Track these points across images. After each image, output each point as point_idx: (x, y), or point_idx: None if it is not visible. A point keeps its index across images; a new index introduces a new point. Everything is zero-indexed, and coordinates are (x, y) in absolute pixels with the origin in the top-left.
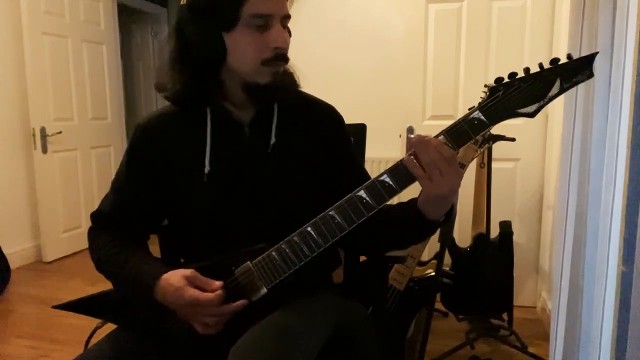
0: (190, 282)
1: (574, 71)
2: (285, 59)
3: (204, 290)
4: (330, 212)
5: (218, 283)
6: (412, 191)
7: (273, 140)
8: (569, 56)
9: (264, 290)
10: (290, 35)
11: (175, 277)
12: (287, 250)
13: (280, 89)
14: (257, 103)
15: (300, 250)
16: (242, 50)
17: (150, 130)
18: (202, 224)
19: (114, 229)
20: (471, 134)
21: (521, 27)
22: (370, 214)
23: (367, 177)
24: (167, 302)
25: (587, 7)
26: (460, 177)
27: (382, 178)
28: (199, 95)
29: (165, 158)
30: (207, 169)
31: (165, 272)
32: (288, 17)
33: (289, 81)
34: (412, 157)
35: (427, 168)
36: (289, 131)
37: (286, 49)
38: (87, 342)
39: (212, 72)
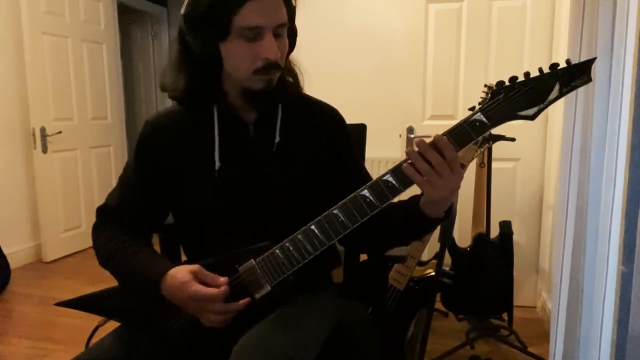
0: (196, 277)
1: (573, 76)
2: (278, 68)
3: (210, 286)
4: (334, 211)
5: (223, 279)
6: (414, 189)
7: (277, 139)
8: (567, 61)
9: (268, 287)
10: (295, 36)
11: (181, 272)
12: (291, 248)
13: (280, 92)
14: (255, 107)
15: (303, 248)
16: (235, 59)
17: (158, 127)
18: (208, 221)
19: (120, 224)
20: (473, 135)
21: (521, 27)
22: (373, 212)
23: (368, 177)
24: (173, 296)
25: (587, 7)
26: (461, 177)
27: (385, 178)
28: (203, 96)
29: (173, 154)
30: (217, 165)
31: (172, 267)
32: (283, 25)
33: (291, 83)
34: (410, 163)
35: (426, 175)
36: (293, 131)
37: (277, 58)
38: (88, 341)
39: (213, 76)
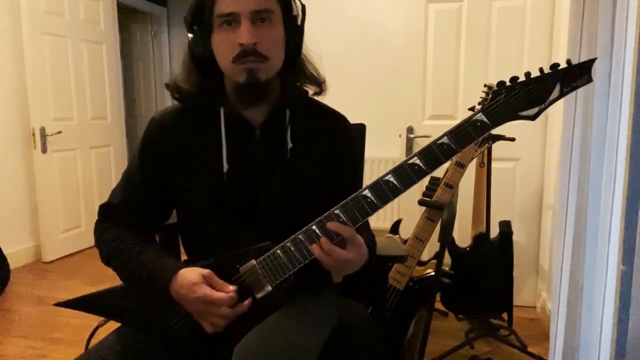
0: (206, 280)
1: (573, 76)
2: (255, 54)
3: (218, 291)
4: (336, 211)
5: (232, 287)
6: (415, 189)
7: (290, 145)
8: (568, 61)
9: (269, 288)
10: (297, 33)
11: (192, 273)
12: (292, 249)
13: (287, 96)
14: (246, 102)
15: (305, 249)
16: (218, 50)
17: (164, 125)
18: (212, 221)
19: (123, 222)
20: (474, 135)
21: (521, 27)
22: (374, 213)
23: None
24: (180, 296)
25: (587, 7)
26: (358, 252)
27: (386, 178)
28: (207, 95)
29: (178, 153)
30: (225, 167)
31: (183, 267)
32: (262, 11)
33: (299, 87)
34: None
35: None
36: (303, 137)
37: (251, 43)
38: (88, 341)
39: (216, 77)
